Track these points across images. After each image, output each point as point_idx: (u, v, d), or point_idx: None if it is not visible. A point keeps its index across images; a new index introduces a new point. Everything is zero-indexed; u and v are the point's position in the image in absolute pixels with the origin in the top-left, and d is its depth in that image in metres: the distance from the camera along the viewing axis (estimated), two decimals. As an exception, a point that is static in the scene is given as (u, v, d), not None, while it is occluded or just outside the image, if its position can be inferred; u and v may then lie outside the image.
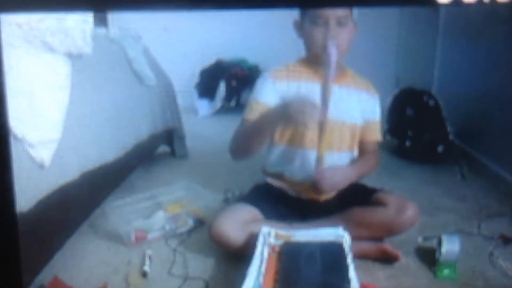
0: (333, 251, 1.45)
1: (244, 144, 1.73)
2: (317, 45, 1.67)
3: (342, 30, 1.66)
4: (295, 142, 1.74)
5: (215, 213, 1.73)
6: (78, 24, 1.59)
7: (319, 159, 1.68)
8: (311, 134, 1.68)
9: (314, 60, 1.73)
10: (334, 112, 1.67)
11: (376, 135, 1.88)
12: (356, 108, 1.81)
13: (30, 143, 1.30)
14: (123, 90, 2.06)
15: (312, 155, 1.69)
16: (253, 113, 1.72)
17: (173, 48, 4.00)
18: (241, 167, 2.03)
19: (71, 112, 1.50)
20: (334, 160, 1.74)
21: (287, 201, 1.79)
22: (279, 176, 1.81)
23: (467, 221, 1.97)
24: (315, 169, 1.69)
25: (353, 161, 1.83)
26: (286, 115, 1.53)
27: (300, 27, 1.74)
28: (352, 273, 1.35)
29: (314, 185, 1.70)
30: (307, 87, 1.72)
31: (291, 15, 1.76)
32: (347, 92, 1.78)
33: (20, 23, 1.41)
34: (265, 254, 1.44)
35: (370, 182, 1.89)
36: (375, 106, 1.87)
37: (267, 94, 1.74)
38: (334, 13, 1.63)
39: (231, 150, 1.75)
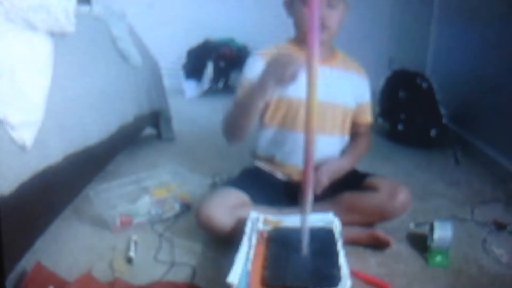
0: (323, 237, 1.43)
1: (237, 121, 1.66)
2: (306, 25, 1.63)
3: (332, 11, 1.64)
4: (287, 124, 1.74)
5: (203, 197, 1.70)
6: (61, 1, 1.56)
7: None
8: (303, 116, 1.64)
9: (303, 40, 1.68)
10: (326, 94, 1.64)
11: (367, 116, 1.90)
12: (348, 91, 1.81)
13: (11, 125, 1.26)
14: (107, 70, 2.03)
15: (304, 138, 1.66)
16: (245, 92, 1.68)
17: (159, 27, 3.98)
18: (229, 151, 2.02)
19: (53, 92, 1.46)
20: (325, 144, 1.72)
21: (276, 186, 1.78)
22: (269, 159, 1.81)
23: (460, 207, 1.97)
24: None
25: (346, 150, 1.84)
26: (273, 72, 1.47)
27: (289, 6, 1.72)
28: (342, 260, 1.33)
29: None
30: None
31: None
32: (338, 74, 1.78)
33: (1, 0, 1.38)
34: (253, 240, 1.42)
35: (361, 166, 1.88)
36: (366, 88, 1.88)
37: (259, 72, 1.69)
38: None
39: (225, 132, 1.70)
